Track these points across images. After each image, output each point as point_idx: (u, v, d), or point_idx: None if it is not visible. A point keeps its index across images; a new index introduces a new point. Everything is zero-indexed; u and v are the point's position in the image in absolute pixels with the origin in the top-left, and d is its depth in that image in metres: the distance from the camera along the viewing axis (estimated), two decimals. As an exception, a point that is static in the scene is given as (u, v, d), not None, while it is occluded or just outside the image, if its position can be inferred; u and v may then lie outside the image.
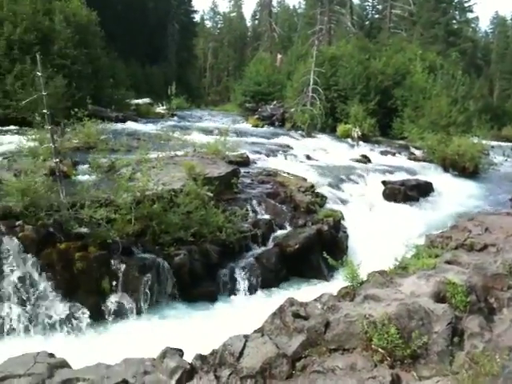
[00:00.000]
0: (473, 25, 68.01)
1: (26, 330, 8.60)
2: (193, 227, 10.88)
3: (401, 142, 28.51)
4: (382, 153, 25.36)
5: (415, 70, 31.95)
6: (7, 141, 16.51)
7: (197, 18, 71.79)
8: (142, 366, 5.90)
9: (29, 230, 9.18)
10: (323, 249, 10.47)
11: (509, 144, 34.53)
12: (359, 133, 27.55)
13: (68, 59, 23.70)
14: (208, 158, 15.03)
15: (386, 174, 19.53)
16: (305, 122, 28.68)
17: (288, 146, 22.86)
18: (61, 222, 9.64)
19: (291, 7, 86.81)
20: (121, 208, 10.08)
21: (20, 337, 8.48)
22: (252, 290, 10.97)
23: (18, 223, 9.25)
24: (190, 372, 5.84)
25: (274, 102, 34.49)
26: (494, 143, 30.30)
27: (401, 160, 24.31)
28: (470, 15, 59.87)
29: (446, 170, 23.35)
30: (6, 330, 8.46)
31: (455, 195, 19.03)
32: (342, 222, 13.66)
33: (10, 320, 8.51)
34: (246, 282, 10.97)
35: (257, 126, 30.73)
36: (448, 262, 8.43)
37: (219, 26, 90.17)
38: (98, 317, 9.20)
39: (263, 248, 12.08)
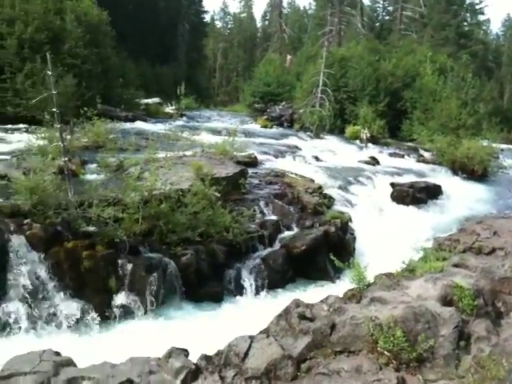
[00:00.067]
0: (484, 27, 67.43)
1: (33, 327, 8.63)
2: (200, 227, 10.90)
3: (410, 144, 28.40)
4: (391, 155, 25.28)
5: (425, 72, 31.82)
6: (17, 139, 16.62)
7: (207, 18, 71.89)
8: (147, 366, 5.90)
9: (37, 228, 9.22)
10: (330, 250, 10.48)
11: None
12: (368, 134, 27.45)
13: (78, 58, 23.85)
14: (216, 159, 15.04)
15: (394, 176, 19.45)
16: (313, 123, 28.66)
17: (296, 147, 22.86)
18: (69, 221, 9.68)
19: (301, 8, 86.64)
20: (128, 207, 10.11)
21: (26, 335, 8.50)
22: (258, 290, 10.97)
23: (26, 221, 9.30)
24: (195, 372, 5.83)
25: (283, 103, 34.50)
26: (504, 146, 30.08)
27: (409, 162, 24.21)
28: (481, 17, 59.39)
29: (455, 172, 23.22)
30: (12, 328, 8.49)
31: (464, 198, 18.92)
32: (349, 223, 13.62)
33: (17, 318, 8.53)
34: (253, 283, 10.98)
35: (265, 127, 30.73)
36: (456, 266, 8.39)
37: (229, 26, 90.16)
38: (104, 316, 9.23)
39: (270, 249, 12.06)
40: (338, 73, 32.43)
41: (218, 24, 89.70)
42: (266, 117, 32.65)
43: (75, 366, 6.04)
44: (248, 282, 10.96)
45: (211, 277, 10.79)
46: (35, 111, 17.57)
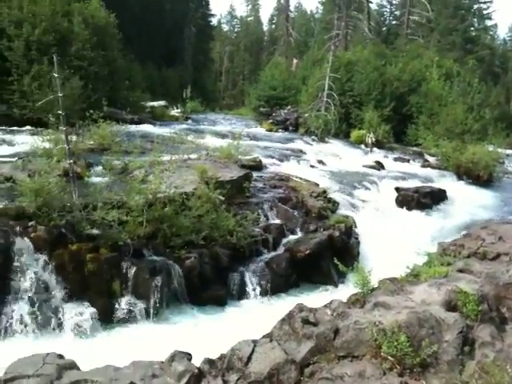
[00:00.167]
0: (491, 32, 67.35)
1: (36, 330, 8.64)
2: (204, 231, 10.89)
3: (415, 148, 28.30)
4: (396, 159, 25.22)
5: (431, 77, 31.75)
6: (22, 141, 16.66)
7: (214, 21, 72.04)
8: (150, 369, 5.90)
9: (41, 230, 9.24)
10: (334, 255, 10.44)
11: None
12: (373, 139, 27.41)
13: (85, 61, 23.86)
14: (220, 162, 15.05)
15: (399, 181, 19.40)
16: (319, 127, 28.63)
17: (301, 151, 22.85)
18: (73, 223, 9.70)
19: (308, 12, 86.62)
20: (133, 210, 10.13)
21: (30, 337, 8.52)
22: (261, 294, 10.96)
23: (30, 224, 9.31)
24: (198, 376, 5.83)
25: (289, 107, 34.46)
26: (510, 151, 30.02)
27: (414, 167, 24.15)
28: (488, 22, 59.44)
29: (460, 177, 23.13)
30: (16, 330, 8.50)
31: (469, 203, 18.85)
32: (353, 228, 13.59)
33: (20, 320, 8.54)
34: (256, 287, 10.97)
35: (270, 131, 30.72)
36: (460, 271, 8.38)
37: (236, 29, 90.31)
38: (107, 318, 9.25)
39: (274, 253, 12.05)
40: (344, 77, 32.38)
41: (225, 27, 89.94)
42: (271, 121, 32.65)
43: (78, 369, 6.05)
44: (251, 285, 10.96)
45: (215, 280, 10.79)
46: (41, 113, 17.57)
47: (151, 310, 9.62)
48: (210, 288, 10.59)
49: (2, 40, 22.17)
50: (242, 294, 10.90)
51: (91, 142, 16.19)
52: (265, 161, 18.24)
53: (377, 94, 31.01)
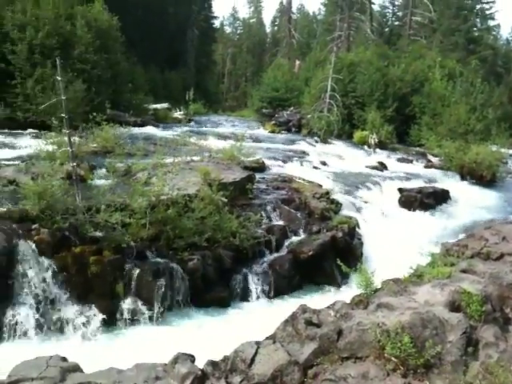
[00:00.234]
0: (494, 32, 67.15)
1: (40, 333, 8.66)
2: (207, 232, 10.90)
3: (418, 149, 28.25)
4: (399, 160, 25.16)
5: (434, 78, 31.69)
6: (26, 144, 16.70)
7: (216, 23, 72.09)
8: (153, 372, 5.90)
9: (44, 233, 9.26)
10: (337, 256, 10.44)
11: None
12: (376, 140, 27.38)
13: (88, 64, 23.95)
14: (223, 164, 15.03)
15: (402, 181, 19.35)
16: (321, 128, 28.58)
17: (304, 152, 22.81)
18: (76, 226, 9.72)
19: (311, 13, 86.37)
20: (136, 212, 10.14)
21: (33, 340, 8.54)
22: (265, 296, 10.98)
23: (34, 226, 9.35)
24: (202, 378, 5.82)
25: (291, 108, 34.45)
26: (513, 152, 29.99)
27: (418, 167, 24.09)
28: (491, 23, 59.29)
29: (463, 177, 23.09)
30: (19, 333, 8.52)
31: (472, 203, 18.83)
32: (356, 229, 13.58)
33: (24, 323, 8.56)
34: (259, 288, 11.00)
35: (273, 132, 30.72)
36: (463, 271, 8.35)
37: (239, 31, 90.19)
38: (111, 321, 9.26)
39: (277, 254, 12.03)
40: (347, 78, 32.37)
41: (228, 29, 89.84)
42: (273, 122, 32.63)
43: (82, 371, 6.06)
44: (255, 287, 10.97)
45: (218, 282, 10.79)
46: (45, 116, 17.66)
47: (154, 312, 9.62)
48: (213, 290, 10.60)
49: (5, 43, 22.28)
50: (245, 296, 10.91)
51: (94, 145, 16.22)
52: (268, 162, 18.23)
53: (379, 95, 30.98)
